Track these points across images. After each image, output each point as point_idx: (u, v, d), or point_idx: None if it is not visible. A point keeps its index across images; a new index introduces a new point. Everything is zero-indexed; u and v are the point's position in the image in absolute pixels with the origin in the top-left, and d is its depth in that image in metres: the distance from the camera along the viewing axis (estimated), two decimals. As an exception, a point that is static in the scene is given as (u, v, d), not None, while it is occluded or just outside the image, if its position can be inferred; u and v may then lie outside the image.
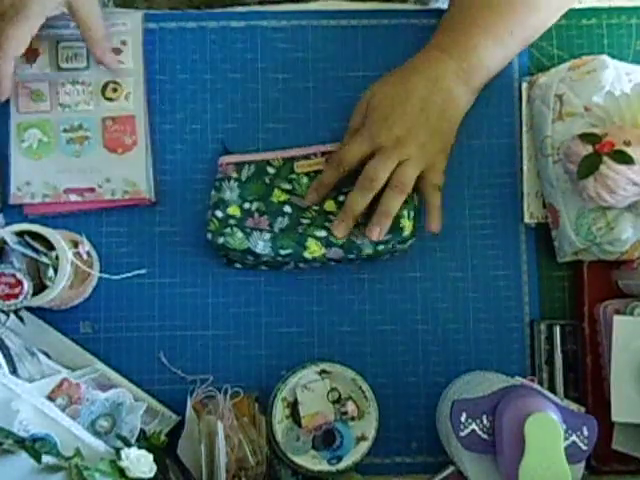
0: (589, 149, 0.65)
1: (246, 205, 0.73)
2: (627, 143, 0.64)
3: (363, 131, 0.70)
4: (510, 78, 0.78)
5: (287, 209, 0.73)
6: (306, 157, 0.74)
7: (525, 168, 0.76)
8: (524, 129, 0.77)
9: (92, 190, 0.74)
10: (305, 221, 0.72)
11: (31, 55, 0.74)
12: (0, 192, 0.75)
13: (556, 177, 0.71)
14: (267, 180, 0.74)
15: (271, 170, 0.74)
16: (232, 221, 0.71)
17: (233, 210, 0.72)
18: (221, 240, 0.70)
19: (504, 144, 0.78)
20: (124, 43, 0.75)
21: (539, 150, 0.74)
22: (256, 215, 0.72)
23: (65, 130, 0.74)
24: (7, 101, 0.74)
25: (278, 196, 0.73)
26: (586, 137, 0.66)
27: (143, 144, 0.74)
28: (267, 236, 0.70)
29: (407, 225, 0.71)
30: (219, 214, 0.71)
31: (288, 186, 0.74)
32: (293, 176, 0.74)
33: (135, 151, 0.74)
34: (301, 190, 0.73)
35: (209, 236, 0.70)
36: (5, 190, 0.74)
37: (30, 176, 0.73)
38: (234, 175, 0.73)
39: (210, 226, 0.71)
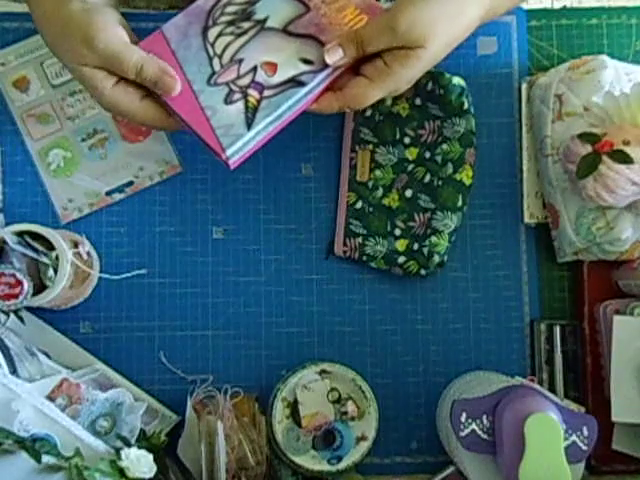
0: (588, 149, 0.65)
1: None
2: (626, 143, 0.64)
3: (387, 77, 0.61)
4: (510, 78, 0.78)
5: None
6: None
7: (525, 168, 0.76)
8: (524, 129, 0.77)
9: (131, 183, 0.76)
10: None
11: (22, 84, 0.76)
12: (0, 192, 0.75)
13: (556, 177, 0.71)
14: None
15: None
16: None
17: None
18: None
19: (504, 144, 0.78)
20: None
21: (539, 150, 0.74)
22: None
23: (83, 139, 0.76)
24: (18, 133, 0.75)
25: None
26: (585, 137, 0.66)
27: None
28: None
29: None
30: None
31: None
32: None
33: (154, 132, 0.76)
34: None
35: None
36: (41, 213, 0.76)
37: (70, 193, 0.75)
38: None
39: None
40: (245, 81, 0.61)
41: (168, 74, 0.60)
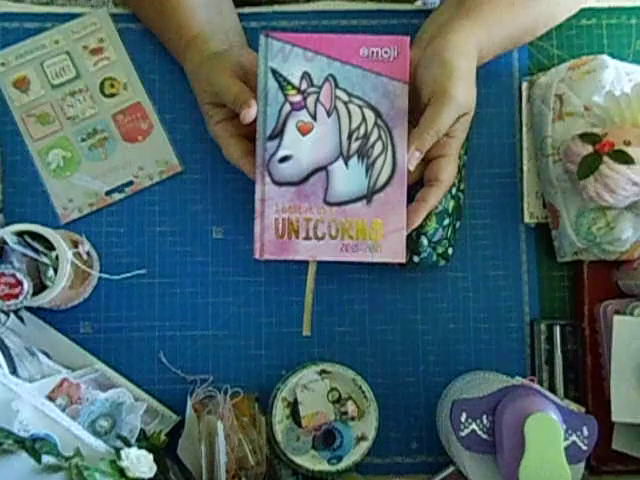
0: (589, 149, 0.65)
1: None
2: (627, 143, 0.64)
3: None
4: (510, 78, 0.78)
5: None
6: None
7: (525, 168, 0.76)
8: (524, 129, 0.77)
9: (131, 183, 0.76)
10: None
11: (22, 84, 0.76)
12: (0, 192, 0.75)
13: (556, 177, 0.71)
14: None
15: None
16: None
17: None
18: None
19: (504, 144, 0.78)
20: (102, 40, 0.77)
21: (539, 150, 0.74)
22: None
23: (83, 139, 0.76)
24: (18, 133, 0.76)
25: None
26: (586, 137, 0.66)
27: (158, 123, 0.77)
28: None
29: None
30: None
31: None
32: None
33: (154, 132, 0.77)
34: None
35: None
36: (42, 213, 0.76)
37: (69, 193, 0.76)
38: None
39: None
40: None
41: (247, 92, 0.65)
